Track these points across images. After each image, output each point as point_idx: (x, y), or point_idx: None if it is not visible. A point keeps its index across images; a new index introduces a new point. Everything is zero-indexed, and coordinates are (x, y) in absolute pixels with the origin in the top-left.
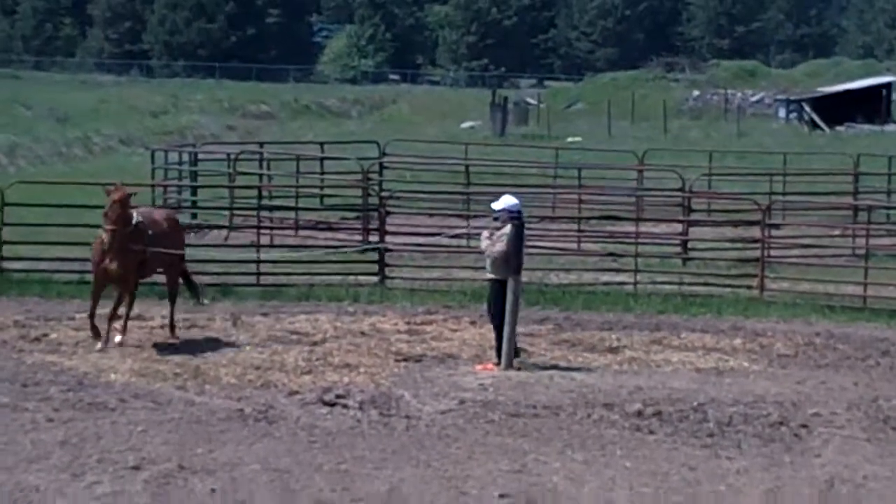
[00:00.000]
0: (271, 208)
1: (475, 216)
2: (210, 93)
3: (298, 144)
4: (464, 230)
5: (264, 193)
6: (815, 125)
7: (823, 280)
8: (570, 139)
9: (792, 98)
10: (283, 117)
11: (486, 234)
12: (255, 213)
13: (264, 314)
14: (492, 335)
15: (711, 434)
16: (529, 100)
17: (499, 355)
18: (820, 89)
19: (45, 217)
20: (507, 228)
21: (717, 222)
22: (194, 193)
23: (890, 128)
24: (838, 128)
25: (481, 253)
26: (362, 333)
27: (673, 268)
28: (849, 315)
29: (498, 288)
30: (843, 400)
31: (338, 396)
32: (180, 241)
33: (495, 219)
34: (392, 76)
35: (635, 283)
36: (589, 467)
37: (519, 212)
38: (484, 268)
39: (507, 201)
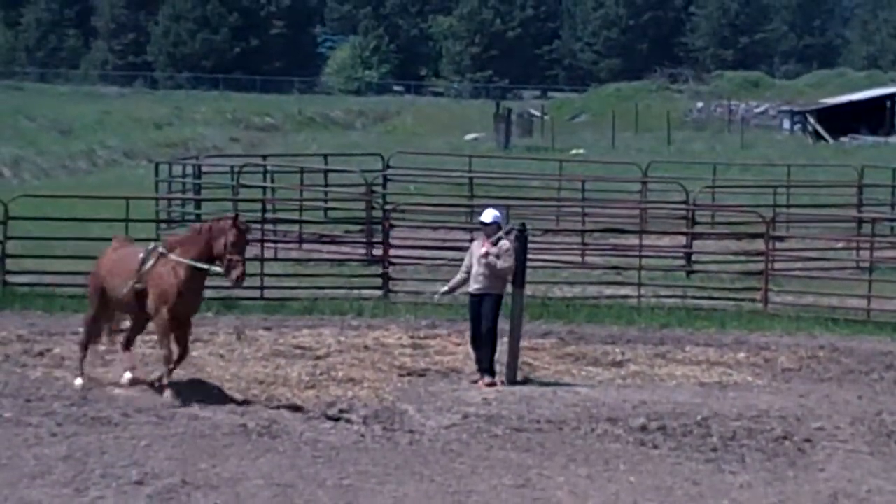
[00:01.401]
0: (275, 221)
1: (478, 229)
2: (214, 104)
3: (302, 157)
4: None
5: (268, 206)
6: (819, 136)
7: (827, 293)
8: (573, 151)
9: (796, 109)
10: (287, 129)
11: (484, 249)
12: (259, 226)
13: (268, 328)
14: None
15: (715, 448)
16: (533, 111)
17: (487, 369)
18: (824, 100)
19: (50, 231)
20: (507, 243)
21: (720, 235)
22: (198, 206)
23: (894, 139)
24: (842, 139)
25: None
26: (366, 348)
27: (677, 281)
28: (852, 328)
29: (493, 303)
30: (846, 414)
31: (341, 411)
32: None
33: (498, 230)
34: (396, 88)
35: (639, 297)
36: (593, 482)
37: (524, 223)
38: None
39: (493, 214)
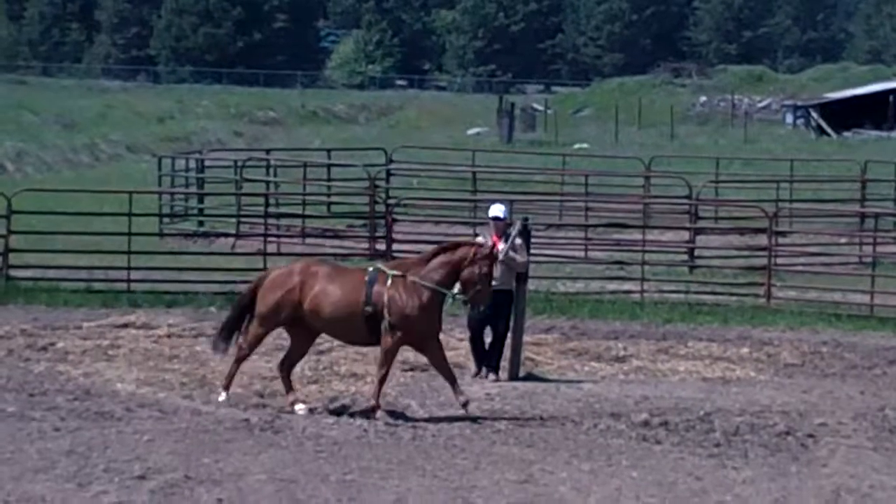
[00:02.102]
0: (278, 216)
1: (481, 223)
2: (217, 98)
3: (305, 151)
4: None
5: (271, 201)
6: (822, 131)
7: (830, 288)
8: (576, 146)
9: (799, 104)
10: (289, 123)
11: (503, 245)
12: (262, 220)
13: None
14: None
15: (718, 444)
16: (536, 106)
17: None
18: (827, 95)
19: (53, 225)
20: (519, 238)
21: (723, 230)
22: (201, 201)
23: None
24: (845, 134)
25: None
26: None
27: (680, 276)
28: (856, 324)
29: (508, 301)
30: (849, 409)
31: (344, 406)
32: None
33: (508, 226)
34: (399, 82)
35: (642, 292)
36: (595, 477)
37: (526, 218)
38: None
39: (504, 209)
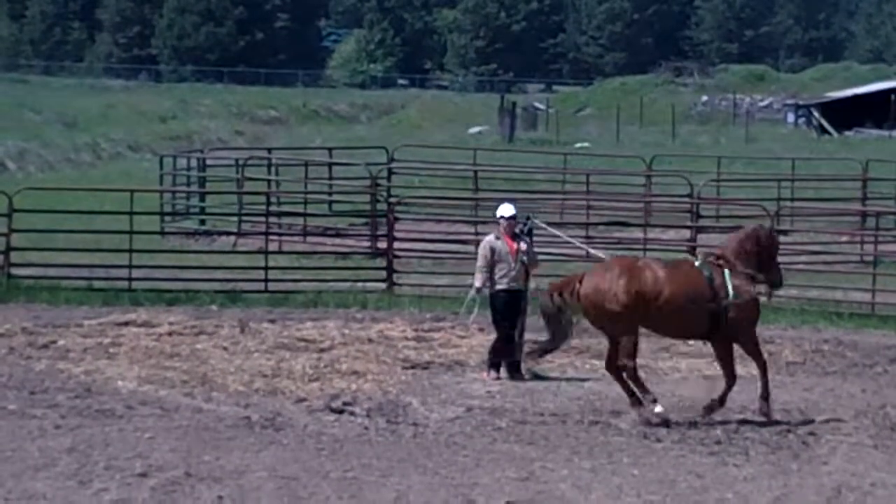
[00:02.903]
0: (280, 214)
1: (483, 222)
2: (218, 97)
3: (307, 150)
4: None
5: (273, 199)
6: (823, 130)
7: (832, 287)
8: (578, 145)
9: (801, 103)
10: (291, 122)
11: (524, 246)
12: (263, 219)
13: (272, 321)
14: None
15: (719, 441)
16: (538, 105)
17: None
18: (829, 94)
19: (54, 223)
20: (527, 237)
21: (725, 228)
22: (202, 199)
23: None
24: (847, 133)
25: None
26: (370, 340)
27: None
28: (857, 322)
29: (525, 301)
30: (850, 407)
31: (345, 404)
32: None
33: (521, 224)
34: (401, 81)
35: None
36: (596, 475)
37: (529, 217)
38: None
39: (511, 208)
